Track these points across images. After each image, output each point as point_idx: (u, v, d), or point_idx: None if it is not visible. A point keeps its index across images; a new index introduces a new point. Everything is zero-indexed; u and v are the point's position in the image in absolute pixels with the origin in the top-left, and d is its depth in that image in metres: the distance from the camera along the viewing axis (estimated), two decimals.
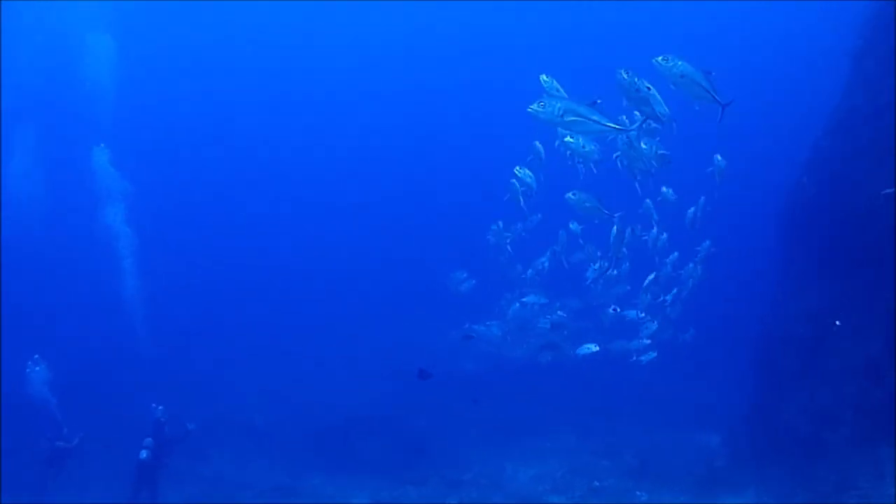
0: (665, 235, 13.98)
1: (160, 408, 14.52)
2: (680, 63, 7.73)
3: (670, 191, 12.08)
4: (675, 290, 15.15)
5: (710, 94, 7.93)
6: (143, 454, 13.31)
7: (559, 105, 7.49)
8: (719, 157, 11.28)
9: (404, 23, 42.04)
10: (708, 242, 14.95)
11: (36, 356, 16.94)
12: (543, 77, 9.07)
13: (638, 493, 14.21)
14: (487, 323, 16.42)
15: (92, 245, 26.34)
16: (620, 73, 7.94)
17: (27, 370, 16.58)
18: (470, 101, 41.31)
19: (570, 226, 13.26)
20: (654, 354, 15.30)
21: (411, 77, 43.31)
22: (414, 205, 38.14)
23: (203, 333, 26.01)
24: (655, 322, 14.69)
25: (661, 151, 9.45)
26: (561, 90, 9.01)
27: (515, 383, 18.74)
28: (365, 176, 40.86)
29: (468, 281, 16.88)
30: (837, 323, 13.12)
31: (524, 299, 16.25)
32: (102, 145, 25.47)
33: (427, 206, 37.29)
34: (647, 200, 12.24)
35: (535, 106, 7.44)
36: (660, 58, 7.75)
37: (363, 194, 40.11)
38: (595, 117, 7.69)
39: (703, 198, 13.39)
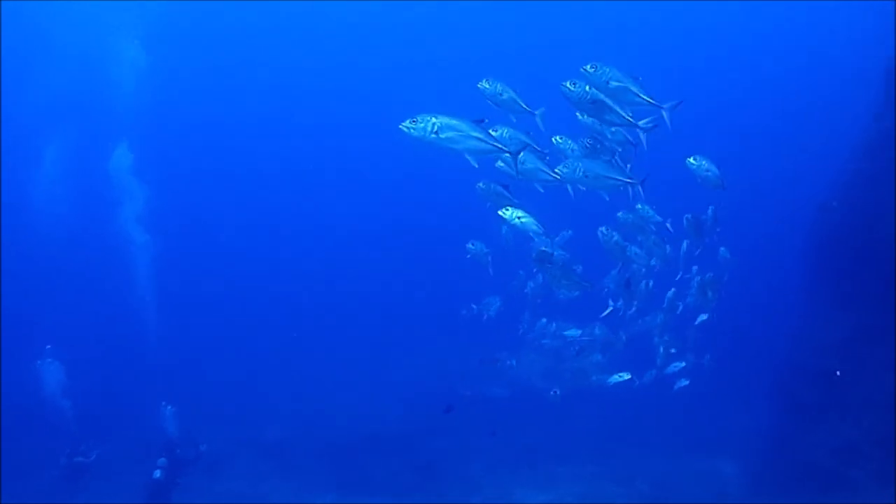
0: (685, 244, 13.16)
1: (170, 407, 14.76)
2: (608, 70, 7.40)
3: (646, 207, 10.63)
4: (703, 316, 14.52)
5: (645, 99, 7.59)
6: (157, 473, 13.44)
7: (433, 121, 6.99)
8: (692, 160, 9.66)
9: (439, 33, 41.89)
10: (723, 249, 14.12)
11: (48, 346, 17.25)
12: (484, 83, 8.07)
13: None
14: (505, 353, 16.29)
15: (107, 252, 26.83)
16: (565, 85, 7.56)
17: (38, 364, 16.93)
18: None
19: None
20: (687, 382, 15.03)
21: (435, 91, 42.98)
22: (439, 221, 37.93)
23: (219, 349, 26.26)
24: (661, 347, 14.21)
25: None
26: (507, 94, 8.05)
27: (536, 409, 18.58)
28: (391, 192, 40.75)
29: (495, 304, 16.47)
30: (838, 373, 12.77)
31: (547, 325, 16.02)
32: (124, 146, 25.92)
33: (453, 224, 36.93)
34: (620, 214, 10.60)
35: (406, 123, 6.97)
36: (588, 66, 7.40)
37: (388, 210, 40.20)
38: (477, 134, 7.21)
39: (711, 207, 11.92)
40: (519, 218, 8.75)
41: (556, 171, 8.18)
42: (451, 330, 22.81)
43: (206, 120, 42.93)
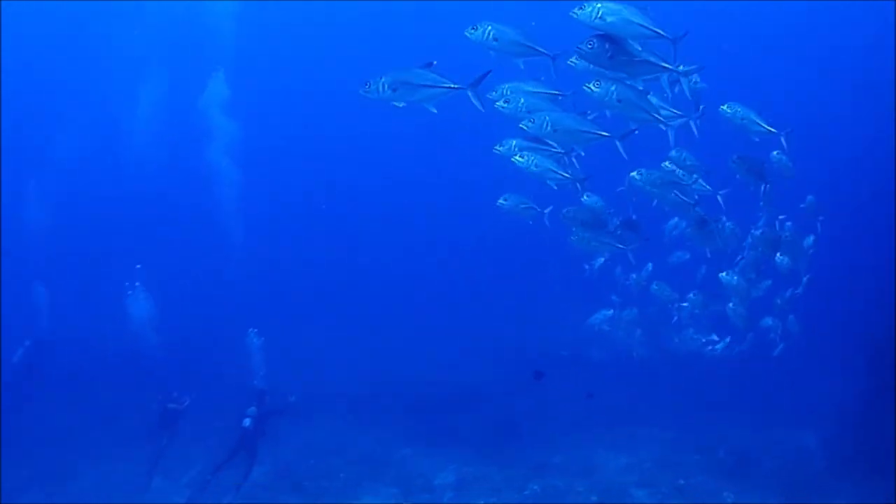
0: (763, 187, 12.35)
1: (256, 336, 15.25)
2: (600, 5, 6.50)
3: (686, 153, 9.25)
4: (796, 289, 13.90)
5: (654, 31, 6.70)
6: (247, 422, 13.98)
7: (383, 80, 6.86)
8: (726, 108, 8.64)
9: None
10: (811, 197, 13.27)
11: (139, 266, 17.86)
12: (470, 30, 7.30)
13: (725, 493, 13.91)
14: (603, 314, 16.10)
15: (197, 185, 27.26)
16: (586, 45, 6.75)
17: (127, 291, 17.57)
18: None
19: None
20: (782, 345, 14.73)
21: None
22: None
23: (303, 294, 26.67)
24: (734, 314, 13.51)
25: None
26: (509, 35, 7.32)
27: (625, 372, 18.68)
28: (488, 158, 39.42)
29: (598, 261, 15.87)
30: None
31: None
32: (219, 80, 26.18)
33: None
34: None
35: (363, 89, 6.89)
36: (576, 10, 6.56)
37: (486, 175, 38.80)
38: (428, 82, 7.03)
39: (776, 152, 10.76)
40: (536, 165, 8.31)
41: (522, 125, 7.63)
42: (554, 291, 22.73)
43: (299, 56, 42.23)
